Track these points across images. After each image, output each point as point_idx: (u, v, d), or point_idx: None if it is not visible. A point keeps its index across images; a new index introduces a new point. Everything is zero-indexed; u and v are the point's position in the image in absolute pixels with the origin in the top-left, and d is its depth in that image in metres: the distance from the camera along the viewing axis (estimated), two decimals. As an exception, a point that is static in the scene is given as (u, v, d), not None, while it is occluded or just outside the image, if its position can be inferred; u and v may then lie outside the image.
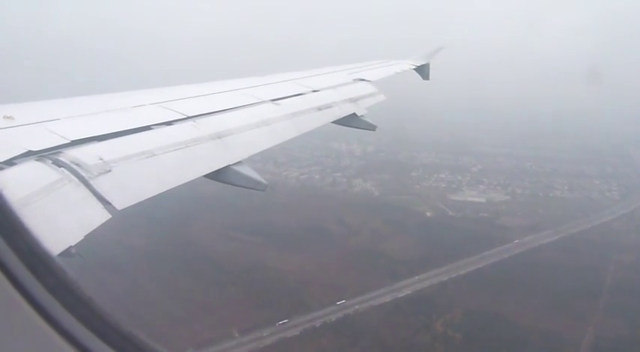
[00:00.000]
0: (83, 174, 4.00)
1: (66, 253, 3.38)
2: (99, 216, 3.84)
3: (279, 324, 45.43)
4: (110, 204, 3.95)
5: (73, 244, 3.47)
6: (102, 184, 4.04)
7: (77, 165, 4.06)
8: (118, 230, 57.13)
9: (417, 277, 53.84)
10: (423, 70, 14.44)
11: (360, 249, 60.65)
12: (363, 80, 10.68)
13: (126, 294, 44.69)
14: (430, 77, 14.62)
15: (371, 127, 9.00)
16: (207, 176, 5.27)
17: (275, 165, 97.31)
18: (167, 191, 4.70)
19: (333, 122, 8.39)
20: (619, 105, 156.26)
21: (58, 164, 4.00)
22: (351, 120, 8.79)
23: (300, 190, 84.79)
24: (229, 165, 5.46)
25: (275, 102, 7.58)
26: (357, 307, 48.71)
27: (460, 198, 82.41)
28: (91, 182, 3.98)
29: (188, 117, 5.94)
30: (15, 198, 3.26)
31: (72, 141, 4.46)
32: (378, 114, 9.67)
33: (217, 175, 5.36)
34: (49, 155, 4.09)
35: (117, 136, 4.94)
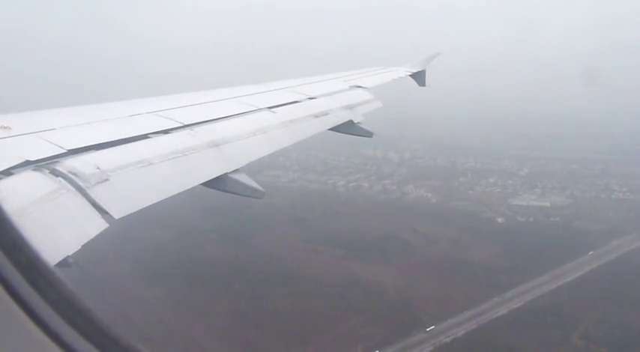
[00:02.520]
0: (80, 183, 3.99)
1: (63, 263, 3.37)
2: (96, 226, 3.83)
3: (404, 341, 43.39)
4: (107, 213, 3.94)
5: (70, 254, 3.45)
6: (99, 193, 4.03)
7: (74, 174, 4.05)
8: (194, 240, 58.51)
9: (522, 286, 52.02)
10: (419, 77, 14.49)
11: (448, 258, 58.93)
12: (359, 87, 10.69)
13: (199, 312, 44.49)
14: (426, 83, 14.68)
15: (368, 134, 9.02)
16: (204, 184, 5.26)
17: (316, 173, 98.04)
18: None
19: (329, 129, 8.39)
20: (631, 105, 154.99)
21: (55, 173, 3.99)
22: (347, 128, 8.80)
23: (354, 199, 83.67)
24: (227, 173, 5.45)
25: (271, 109, 7.59)
26: (477, 320, 46.67)
27: (522, 202, 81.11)
28: (89, 191, 3.97)
29: (185, 126, 5.94)
30: (12, 208, 3.25)
31: (69, 150, 4.46)
32: (377, 121, 9.67)
33: (215, 183, 5.36)
34: (46, 165, 4.08)
35: (114, 145, 4.94)
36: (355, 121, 8.93)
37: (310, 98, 8.75)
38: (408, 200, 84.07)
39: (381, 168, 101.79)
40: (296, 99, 8.46)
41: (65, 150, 4.43)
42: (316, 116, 8.19)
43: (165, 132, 5.66)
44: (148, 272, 51.09)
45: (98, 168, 4.30)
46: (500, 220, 73.75)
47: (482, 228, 68.84)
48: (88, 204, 3.89)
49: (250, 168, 5.77)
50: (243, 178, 5.54)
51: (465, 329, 45.59)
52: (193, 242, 59.28)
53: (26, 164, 4.02)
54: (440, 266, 56.47)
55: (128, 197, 4.33)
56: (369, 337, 43.40)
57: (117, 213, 4.02)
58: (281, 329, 43.88)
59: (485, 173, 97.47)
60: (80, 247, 3.58)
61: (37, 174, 3.94)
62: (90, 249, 3.69)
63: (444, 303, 48.49)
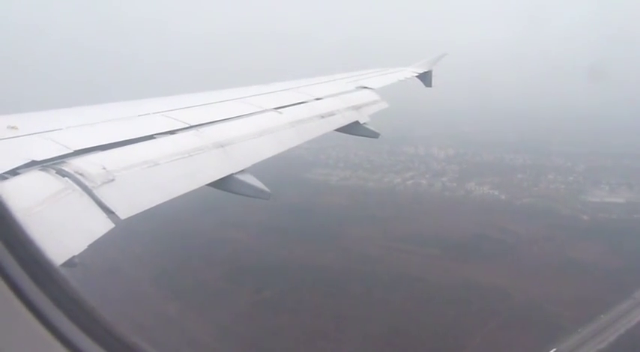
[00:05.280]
0: (86, 183, 3.99)
1: (69, 263, 3.36)
2: (102, 226, 3.82)
3: (556, 347, 41.31)
4: (114, 213, 3.94)
5: (76, 254, 3.45)
6: (105, 193, 4.02)
7: (80, 174, 4.05)
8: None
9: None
10: (425, 78, 14.44)
11: (555, 258, 56.76)
12: (365, 88, 10.67)
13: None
14: (433, 84, 14.61)
15: (374, 135, 9.00)
16: (210, 185, 5.26)
17: (365, 171, 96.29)
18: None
19: (335, 130, 8.38)
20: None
21: (62, 173, 3.99)
22: (354, 128, 8.78)
23: (420, 197, 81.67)
24: (233, 174, 5.44)
25: (278, 110, 7.58)
26: (623, 323, 44.46)
27: (595, 199, 79.67)
28: (95, 191, 3.97)
29: (191, 126, 5.93)
30: (18, 208, 3.25)
31: (75, 150, 4.46)
32: (385, 121, 9.58)
33: (221, 184, 5.35)
34: (52, 165, 4.08)
35: (120, 146, 4.94)
36: (361, 122, 8.91)
37: (316, 99, 8.74)
38: (476, 197, 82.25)
39: (429, 165, 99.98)
40: (302, 100, 8.44)
41: (71, 151, 4.43)
42: (322, 117, 8.18)
43: (171, 132, 5.66)
44: (248, 274, 50.58)
45: (104, 168, 4.30)
46: (585, 217, 71.85)
47: (570, 225, 67.04)
48: (94, 204, 3.89)
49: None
50: (249, 179, 5.53)
51: (615, 333, 43.36)
52: (277, 243, 57.91)
53: (32, 164, 4.02)
54: (551, 266, 54.50)
55: (134, 197, 4.32)
56: (515, 342, 41.34)
57: (123, 214, 4.02)
58: (423, 335, 42.42)
59: (539, 169, 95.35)
60: (86, 247, 3.58)
61: (43, 174, 3.94)
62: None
63: (577, 305, 46.15)
